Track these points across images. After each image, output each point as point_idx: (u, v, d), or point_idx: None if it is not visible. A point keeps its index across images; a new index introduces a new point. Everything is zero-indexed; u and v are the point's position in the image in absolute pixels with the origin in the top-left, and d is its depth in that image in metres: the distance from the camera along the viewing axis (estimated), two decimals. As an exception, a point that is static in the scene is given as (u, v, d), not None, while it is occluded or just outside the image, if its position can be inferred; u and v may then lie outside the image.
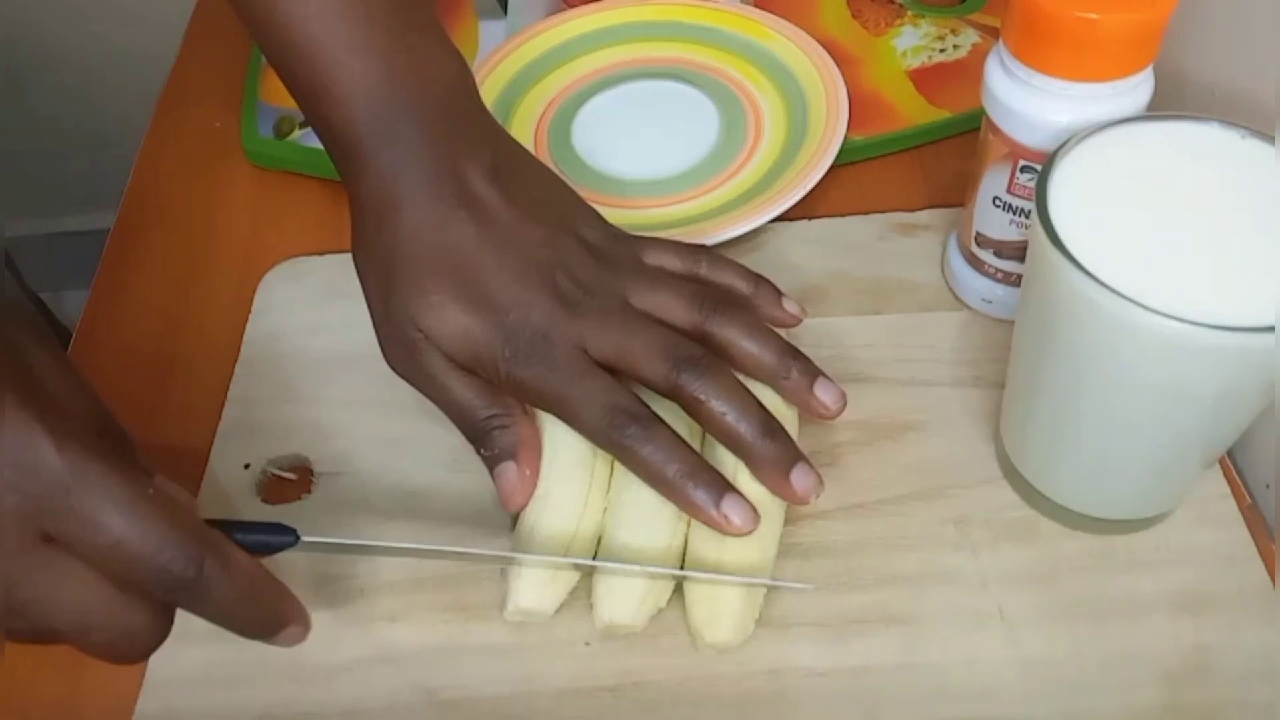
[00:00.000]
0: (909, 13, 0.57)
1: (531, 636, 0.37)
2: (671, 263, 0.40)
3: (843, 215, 0.49)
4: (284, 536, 0.32)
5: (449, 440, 0.42)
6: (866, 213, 0.49)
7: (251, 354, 0.46)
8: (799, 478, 0.35)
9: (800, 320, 0.40)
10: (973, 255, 0.43)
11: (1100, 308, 0.29)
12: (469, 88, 0.40)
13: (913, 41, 0.55)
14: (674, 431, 0.35)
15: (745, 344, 0.37)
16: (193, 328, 0.48)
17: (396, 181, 0.37)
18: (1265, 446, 0.39)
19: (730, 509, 0.34)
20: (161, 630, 0.30)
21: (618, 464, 0.37)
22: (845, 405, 0.38)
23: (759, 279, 0.40)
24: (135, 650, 0.29)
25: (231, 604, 0.30)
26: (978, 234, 0.42)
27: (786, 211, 0.47)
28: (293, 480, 0.42)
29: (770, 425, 0.36)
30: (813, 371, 0.38)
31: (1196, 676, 0.35)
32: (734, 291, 0.40)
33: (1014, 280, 0.42)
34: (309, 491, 0.41)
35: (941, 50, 0.55)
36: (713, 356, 0.36)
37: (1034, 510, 0.39)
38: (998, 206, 0.40)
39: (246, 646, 0.37)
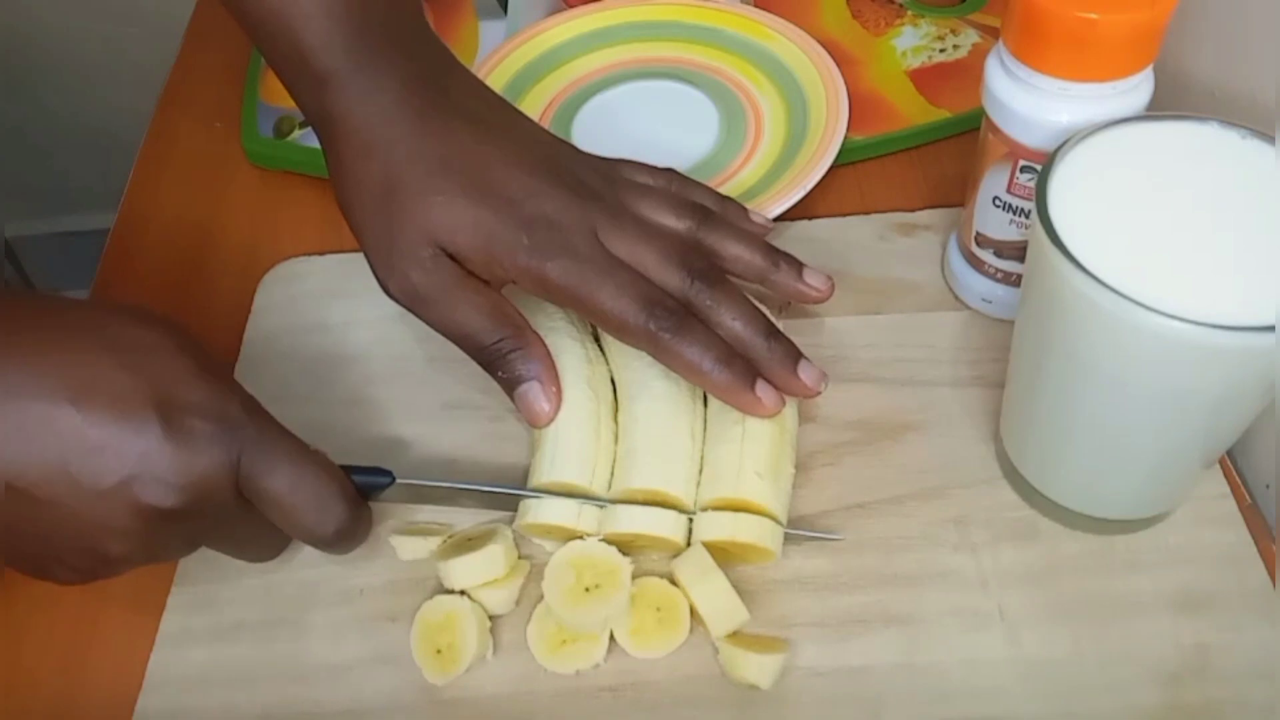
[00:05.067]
0: (909, 13, 0.57)
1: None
2: (645, 178, 0.41)
3: (843, 215, 0.49)
4: (384, 478, 0.36)
5: (448, 439, 0.42)
6: (866, 213, 0.49)
7: (251, 354, 0.46)
8: (805, 371, 0.37)
9: (769, 228, 0.43)
10: (973, 255, 0.43)
11: (1100, 308, 0.29)
12: (425, 18, 0.41)
13: (913, 41, 0.55)
14: (699, 320, 0.37)
15: (735, 247, 0.39)
16: (193, 328, 0.47)
17: (380, 98, 0.37)
18: (1265, 446, 0.39)
19: (762, 391, 0.37)
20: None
21: (613, 349, 0.40)
22: (833, 289, 0.41)
23: (724, 197, 0.42)
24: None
25: (346, 547, 0.35)
26: (978, 234, 0.42)
27: (786, 211, 0.47)
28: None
29: (773, 329, 0.38)
30: (798, 264, 0.40)
31: (1196, 676, 0.35)
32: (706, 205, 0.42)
33: (1014, 280, 0.42)
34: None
35: (941, 50, 0.55)
36: (718, 269, 0.38)
37: (1034, 510, 0.39)
38: (998, 206, 0.40)
39: (246, 646, 0.37)
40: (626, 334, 0.37)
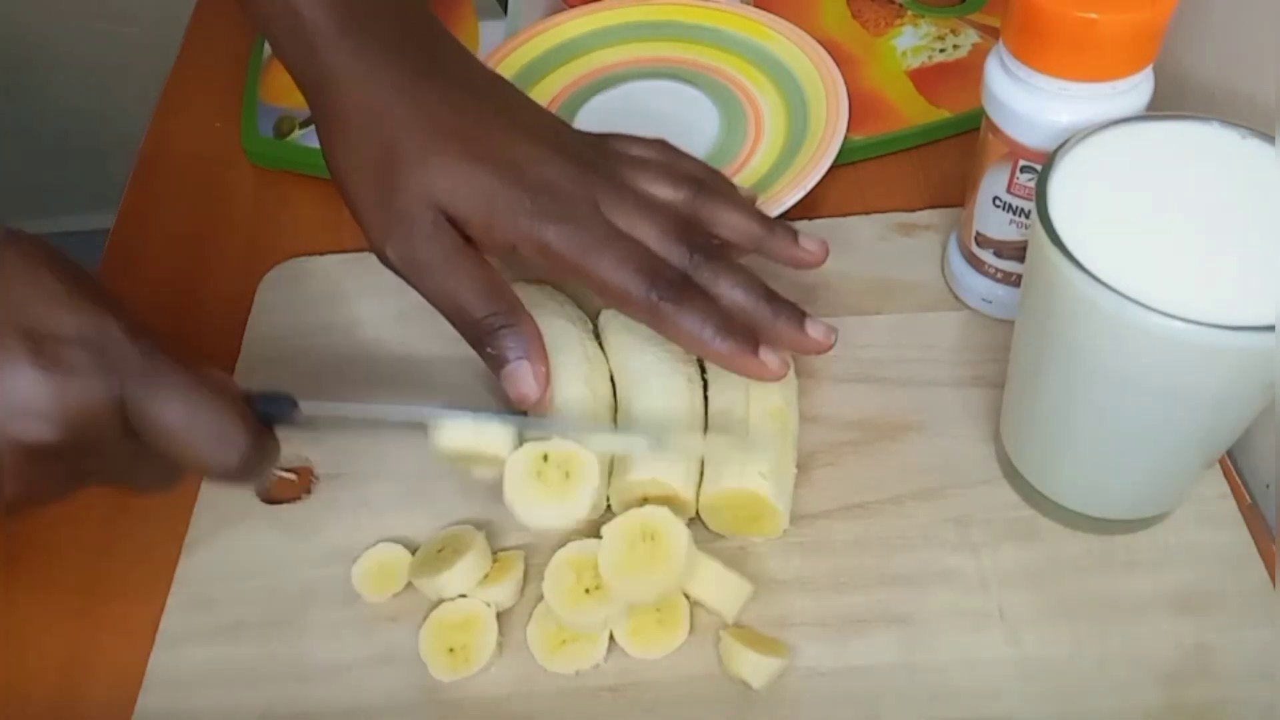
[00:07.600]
0: (909, 13, 0.57)
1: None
2: (637, 150, 0.41)
3: (843, 215, 0.49)
4: (287, 404, 0.34)
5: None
6: (866, 213, 0.49)
7: (251, 355, 0.46)
8: (812, 327, 0.37)
9: (755, 196, 0.44)
10: (973, 255, 0.43)
11: (1100, 308, 0.29)
12: None
13: (913, 41, 0.55)
14: (698, 287, 0.36)
15: (731, 215, 0.39)
16: (193, 328, 0.48)
17: (375, 56, 0.37)
18: (1265, 446, 0.39)
19: (765, 355, 0.36)
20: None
21: (612, 348, 0.40)
22: (828, 252, 0.40)
23: (713, 169, 0.42)
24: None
25: (250, 480, 0.33)
26: (978, 234, 0.42)
27: (786, 211, 0.47)
28: (293, 480, 0.42)
29: (774, 294, 0.37)
30: (792, 230, 0.40)
31: (1196, 676, 0.35)
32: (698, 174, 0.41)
33: (1014, 280, 0.42)
34: (309, 491, 0.41)
35: (941, 50, 0.55)
36: (717, 244, 0.38)
37: (1034, 510, 0.39)
38: (998, 206, 0.40)
39: (246, 646, 0.37)
40: (627, 304, 0.36)
